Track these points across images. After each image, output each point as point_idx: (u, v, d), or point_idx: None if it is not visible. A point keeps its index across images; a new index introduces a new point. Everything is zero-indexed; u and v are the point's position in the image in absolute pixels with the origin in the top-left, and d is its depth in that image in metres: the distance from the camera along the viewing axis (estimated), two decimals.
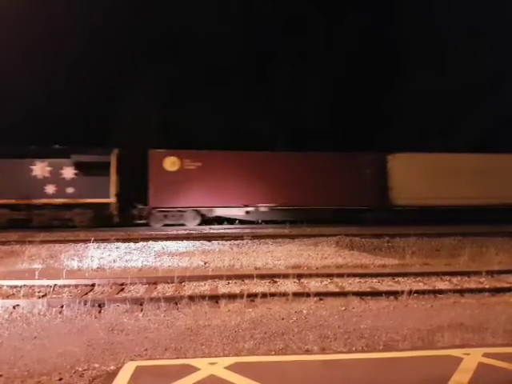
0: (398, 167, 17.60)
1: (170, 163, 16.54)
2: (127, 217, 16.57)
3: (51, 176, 15.74)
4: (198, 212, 16.82)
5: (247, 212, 17.16)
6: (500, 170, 17.75)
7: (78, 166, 15.85)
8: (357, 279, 7.63)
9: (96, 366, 3.91)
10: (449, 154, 18.21)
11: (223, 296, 6.27)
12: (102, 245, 11.50)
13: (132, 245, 11.63)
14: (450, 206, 17.07)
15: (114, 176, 16.05)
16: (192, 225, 16.59)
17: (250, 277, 7.54)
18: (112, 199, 15.93)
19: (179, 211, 16.64)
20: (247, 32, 24.62)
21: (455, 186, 17.14)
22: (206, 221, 16.97)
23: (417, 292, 6.57)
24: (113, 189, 15.95)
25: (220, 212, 17.01)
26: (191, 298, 6.13)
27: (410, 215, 17.04)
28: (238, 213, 17.13)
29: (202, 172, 16.63)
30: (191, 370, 3.54)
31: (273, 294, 6.35)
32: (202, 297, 6.17)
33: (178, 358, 4.09)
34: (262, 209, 17.21)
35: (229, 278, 7.53)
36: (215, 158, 17.05)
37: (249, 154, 17.37)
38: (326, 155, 17.83)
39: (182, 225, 16.58)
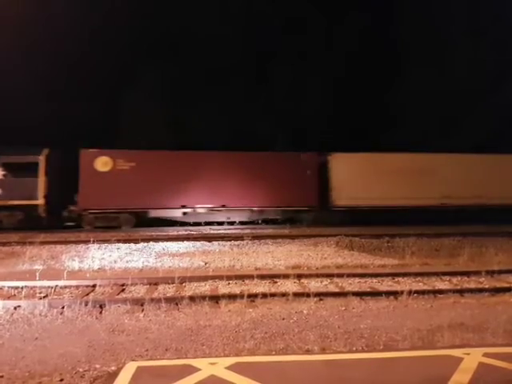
0: (339, 167, 17.41)
1: (102, 163, 16.11)
2: (57, 219, 16.10)
3: None
4: (132, 214, 16.28)
5: (184, 213, 16.74)
6: (441, 169, 17.54)
7: (6, 166, 15.49)
8: (357, 279, 7.64)
9: (97, 366, 3.92)
10: (389, 153, 17.98)
11: (224, 296, 6.28)
12: (103, 245, 11.52)
13: (133, 245, 11.64)
14: (389, 207, 16.94)
15: (43, 177, 15.60)
16: (127, 227, 15.93)
17: (251, 277, 7.55)
18: (40, 201, 15.48)
19: (112, 213, 16.11)
20: (247, 32, 24.65)
21: (395, 186, 17.05)
22: (141, 223, 16.32)
23: (417, 292, 6.58)
24: (41, 190, 15.51)
25: (156, 214, 16.54)
26: (192, 298, 6.14)
27: (349, 216, 16.98)
28: (174, 214, 16.68)
29: (135, 172, 16.16)
30: (192, 370, 3.55)
31: (273, 295, 6.36)
32: (203, 297, 6.18)
33: (178, 358, 4.10)
34: (200, 210, 16.83)
35: (229, 278, 7.54)
36: (149, 157, 16.60)
37: (185, 153, 17.05)
38: (265, 155, 17.49)
39: (115, 227, 15.79)
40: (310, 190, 17.16)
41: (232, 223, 17.36)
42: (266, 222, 17.56)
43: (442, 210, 17.28)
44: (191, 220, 16.94)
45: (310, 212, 17.32)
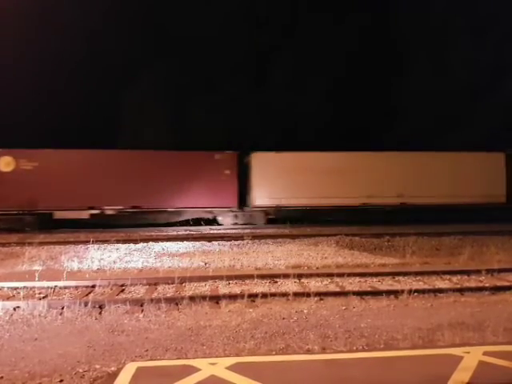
0: (260, 167, 16.93)
1: (5, 163, 15.52)
2: None
3: None
4: (35, 216, 15.58)
5: (92, 215, 15.97)
6: (363, 168, 17.17)
7: None
8: (357, 279, 7.64)
9: (97, 367, 3.91)
10: (312, 152, 17.53)
11: (224, 296, 6.28)
12: (102, 246, 11.50)
13: (132, 246, 11.63)
14: (311, 206, 16.75)
15: None
16: (32, 230, 14.96)
17: (251, 277, 7.54)
18: None
19: (15, 215, 15.51)
20: (247, 32, 24.63)
21: (317, 186, 16.72)
22: (46, 224, 15.43)
23: (417, 291, 6.58)
24: None
25: (61, 215, 15.78)
26: (192, 298, 6.14)
27: (271, 216, 16.74)
28: (81, 216, 15.87)
29: (39, 172, 15.49)
30: (192, 370, 3.54)
31: (273, 294, 6.36)
32: (203, 297, 6.18)
33: (178, 358, 4.09)
34: (109, 212, 16.08)
35: (229, 278, 7.53)
36: (53, 157, 15.92)
37: (92, 152, 16.30)
38: (179, 154, 16.89)
39: (19, 231, 14.74)
40: (229, 190, 16.63)
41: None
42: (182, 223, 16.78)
43: (364, 210, 17.06)
44: (101, 222, 15.91)
45: (229, 212, 16.87)
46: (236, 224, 16.84)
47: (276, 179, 16.81)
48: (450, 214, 16.78)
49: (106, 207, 16.10)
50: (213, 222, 16.94)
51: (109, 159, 16.29)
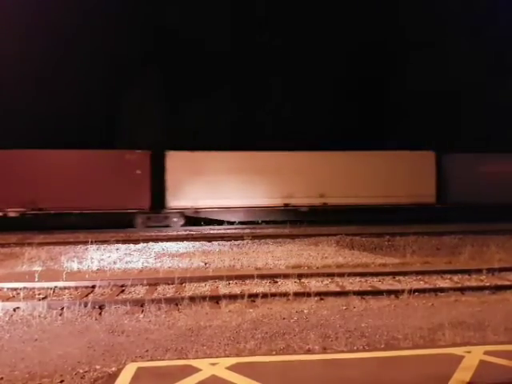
0: (176, 166, 16.13)
1: None
2: None
3: None
4: None
5: None
6: (285, 168, 16.53)
7: None
8: (357, 278, 7.63)
9: (97, 367, 3.91)
10: (232, 152, 16.69)
11: (224, 296, 6.27)
12: (102, 246, 11.49)
13: (132, 246, 11.62)
14: (231, 207, 16.25)
15: None
16: None
17: (251, 277, 7.54)
18: None
19: None
20: (246, 31, 24.61)
21: (237, 186, 16.13)
22: None
23: (418, 291, 6.58)
24: None
25: None
26: (192, 298, 6.13)
27: (187, 217, 16.12)
28: None
29: None
30: (192, 370, 3.53)
31: (273, 294, 6.35)
32: (203, 297, 6.17)
33: (179, 358, 4.09)
34: (12, 214, 15.11)
35: (229, 278, 7.53)
36: None
37: None
38: (86, 153, 15.87)
39: None
40: (141, 190, 15.74)
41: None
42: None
43: (286, 211, 16.63)
44: (4, 225, 14.86)
45: (142, 214, 15.99)
46: (149, 227, 15.80)
47: (192, 179, 16.07)
48: (376, 214, 16.45)
49: (9, 209, 15.13)
50: (127, 224, 15.80)
51: (13, 159, 15.27)
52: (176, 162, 16.21)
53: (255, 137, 19.40)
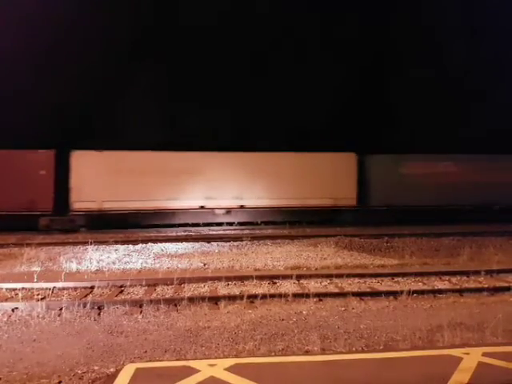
0: (82, 166, 15.37)
1: None
2: None
3: None
4: None
5: None
6: (204, 169, 16.04)
7: None
8: (356, 279, 7.64)
9: (95, 368, 3.90)
10: (141, 152, 16.00)
11: (223, 297, 6.27)
12: (101, 247, 11.48)
13: (131, 246, 11.61)
14: (142, 210, 15.56)
15: None
16: None
17: (250, 278, 7.54)
18: None
19: None
20: (245, 31, 24.60)
21: (149, 188, 15.50)
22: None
23: (416, 292, 6.59)
24: None
25: None
26: (191, 299, 6.13)
27: (90, 220, 15.34)
28: None
29: None
30: (191, 371, 3.53)
31: (272, 295, 6.35)
32: (202, 298, 6.17)
33: (177, 359, 4.09)
34: None
35: (228, 279, 7.53)
36: None
37: None
38: None
39: None
40: (44, 192, 15.06)
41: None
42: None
43: (203, 213, 16.22)
44: None
45: (44, 217, 15.20)
46: (53, 230, 14.92)
47: (99, 181, 15.33)
48: (297, 216, 16.34)
49: None
50: (31, 227, 14.86)
51: None
52: (82, 161, 15.43)
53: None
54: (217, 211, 16.35)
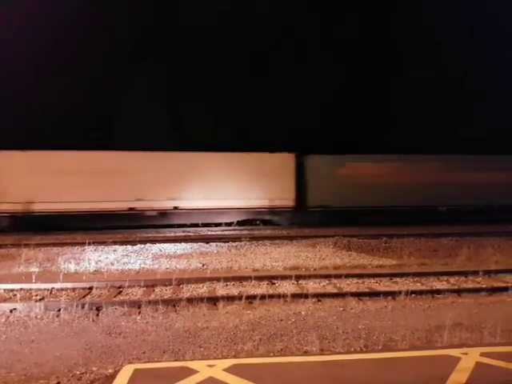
0: (7, 167, 14.93)
1: None
2: None
3: None
4: None
5: None
6: (133, 169, 15.56)
7: None
8: (355, 280, 7.64)
9: (94, 369, 3.90)
10: (67, 151, 15.52)
11: (221, 298, 6.27)
12: (100, 247, 11.45)
13: (129, 247, 11.59)
14: (67, 212, 15.05)
15: None
16: None
17: (248, 278, 7.53)
18: None
19: None
20: (245, 31, 24.59)
21: (75, 189, 15.06)
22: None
23: (415, 292, 6.60)
24: None
25: None
26: (189, 300, 6.12)
27: (19, 222, 14.97)
28: None
29: None
30: (189, 372, 3.53)
31: (271, 296, 6.35)
32: (201, 299, 6.17)
33: (176, 360, 4.08)
34: None
35: (227, 279, 7.52)
36: None
37: None
38: None
39: None
40: None
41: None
42: None
43: (132, 215, 15.72)
44: None
45: None
46: None
47: (24, 182, 14.87)
48: (232, 217, 16.26)
49: None
50: None
51: None
52: (7, 162, 15.01)
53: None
54: (148, 213, 15.85)
